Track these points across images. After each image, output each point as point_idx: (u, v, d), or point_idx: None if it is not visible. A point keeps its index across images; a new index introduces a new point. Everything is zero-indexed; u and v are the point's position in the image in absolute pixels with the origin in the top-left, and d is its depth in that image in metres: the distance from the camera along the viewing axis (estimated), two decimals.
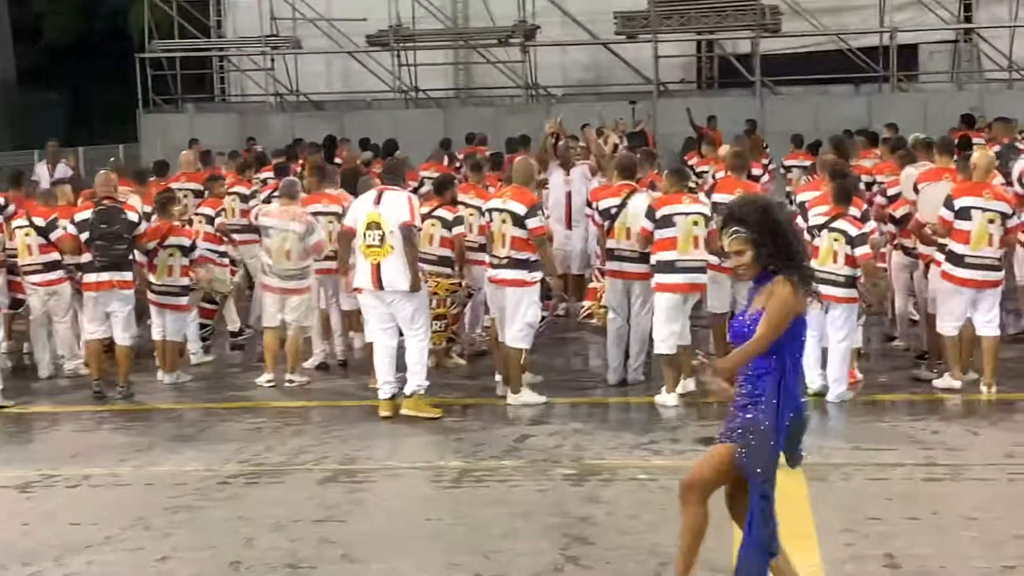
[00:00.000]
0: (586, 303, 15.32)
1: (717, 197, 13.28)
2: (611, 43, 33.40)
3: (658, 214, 12.64)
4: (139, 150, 32.33)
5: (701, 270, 12.74)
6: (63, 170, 21.50)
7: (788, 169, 21.03)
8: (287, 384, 13.89)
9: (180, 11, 36.06)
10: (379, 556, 8.61)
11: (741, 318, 7.03)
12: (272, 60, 35.09)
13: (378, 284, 12.18)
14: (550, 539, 8.79)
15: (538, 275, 12.67)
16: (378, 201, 12.29)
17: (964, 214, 12.45)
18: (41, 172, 20.67)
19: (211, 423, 12.56)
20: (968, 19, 33.89)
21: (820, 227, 12.45)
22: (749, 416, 6.82)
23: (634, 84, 32.76)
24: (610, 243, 13.45)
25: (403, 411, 12.30)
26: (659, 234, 12.61)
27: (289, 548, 8.81)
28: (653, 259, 12.73)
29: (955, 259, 12.47)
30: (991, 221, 12.38)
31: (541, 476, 10.39)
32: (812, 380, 12.04)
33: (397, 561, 8.52)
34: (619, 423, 12.55)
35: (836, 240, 12.23)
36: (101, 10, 45.49)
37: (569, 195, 16.97)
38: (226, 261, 15.72)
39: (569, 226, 16.75)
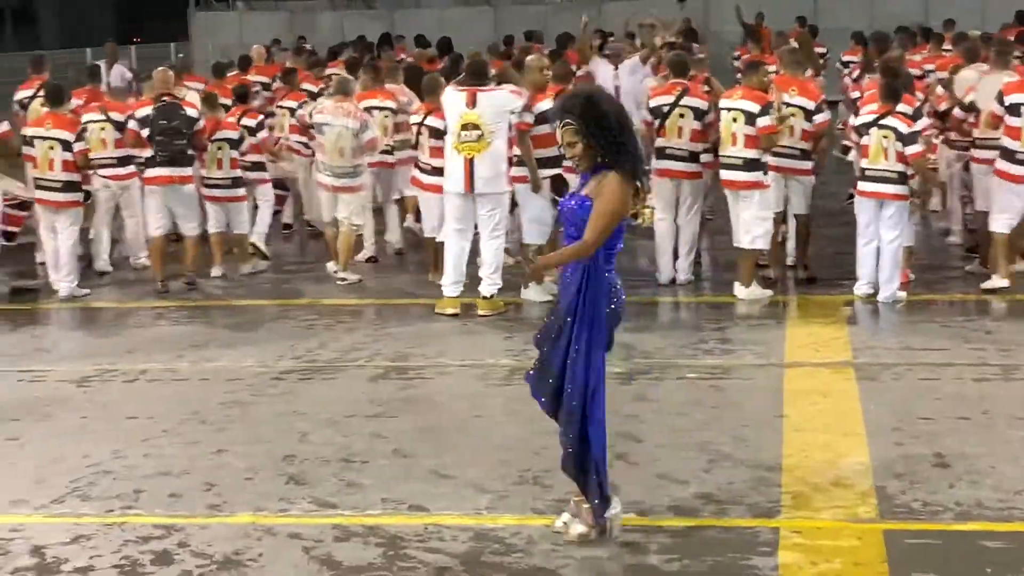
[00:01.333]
0: (635, 203, 15.17)
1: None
2: None
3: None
4: (190, 48, 32.23)
5: (735, 167, 12.65)
6: (119, 70, 21.44)
7: (846, 64, 20.72)
8: (338, 282, 13.98)
9: None
10: (429, 452, 8.67)
11: (569, 202, 7.09)
12: None
13: (470, 186, 12.16)
14: None
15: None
16: (472, 103, 12.18)
17: (1015, 111, 12.32)
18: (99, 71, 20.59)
19: (266, 320, 12.65)
20: None
21: (869, 125, 12.35)
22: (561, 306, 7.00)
23: None
24: (660, 141, 13.36)
25: (480, 312, 12.40)
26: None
27: (342, 443, 8.89)
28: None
29: (1008, 155, 12.38)
30: None
31: None
32: (863, 285, 12.25)
33: (447, 456, 8.57)
34: (669, 323, 12.57)
35: (886, 137, 12.09)
36: None
37: (617, 89, 16.71)
38: (309, 151, 15.74)
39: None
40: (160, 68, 15.59)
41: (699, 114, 13.19)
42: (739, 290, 12.65)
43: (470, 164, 12.11)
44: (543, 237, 12.69)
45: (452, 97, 12.49)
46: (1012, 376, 10.04)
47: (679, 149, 13.20)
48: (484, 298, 12.49)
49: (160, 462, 8.54)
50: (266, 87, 18.29)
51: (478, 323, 12.20)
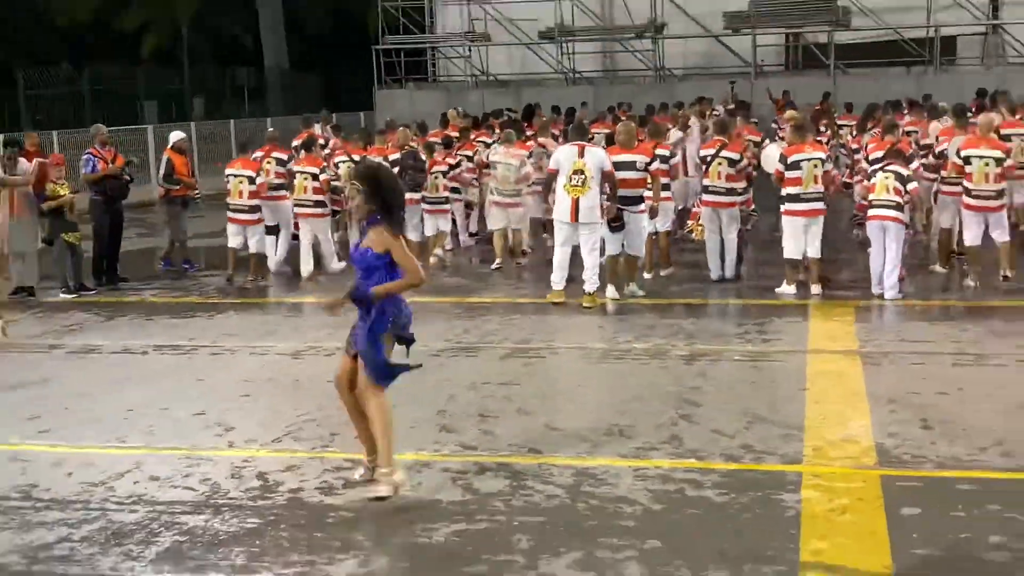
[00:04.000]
0: (689, 223, 15.73)
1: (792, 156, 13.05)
2: (720, 35, 33.12)
3: (789, 160, 12.84)
4: (374, 118, 32.63)
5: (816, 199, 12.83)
6: (329, 131, 21.73)
7: (840, 127, 21.37)
8: (515, 265, 15.38)
9: (404, 13, 36.27)
10: (544, 411, 8.71)
11: (356, 247, 7.05)
12: (470, 50, 35.28)
13: (575, 217, 12.25)
14: (668, 402, 8.81)
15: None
16: (581, 154, 12.28)
17: (968, 161, 12.83)
18: (316, 131, 20.89)
19: (426, 312, 12.73)
20: (996, 15, 32.99)
21: (876, 170, 12.67)
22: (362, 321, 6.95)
23: (736, 67, 32.52)
24: (705, 182, 13.94)
25: (584, 304, 12.42)
26: (788, 174, 12.79)
27: (480, 403, 8.95)
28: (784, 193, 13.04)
29: (968, 192, 12.86)
30: (987, 164, 12.63)
31: (663, 356, 10.38)
32: (876, 286, 12.44)
33: (556, 415, 8.62)
34: (720, 317, 12.51)
35: (887, 178, 12.36)
36: (347, 10, 45.83)
37: (684, 149, 16.95)
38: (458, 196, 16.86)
39: (685, 172, 16.53)
40: (401, 128, 17.41)
41: (732, 162, 13.58)
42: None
43: (575, 201, 12.22)
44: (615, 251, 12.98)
45: (568, 150, 12.59)
46: (982, 363, 9.85)
47: (716, 187, 13.66)
48: (586, 293, 12.50)
49: (344, 415, 8.65)
50: (447, 144, 18.35)
51: (580, 316, 12.17)
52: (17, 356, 11.17)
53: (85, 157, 15.00)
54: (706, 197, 13.86)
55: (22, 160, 14.37)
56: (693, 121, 18.54)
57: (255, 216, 14.75)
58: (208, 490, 7.15)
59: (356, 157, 15.44)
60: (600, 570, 5.77)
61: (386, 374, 6.99)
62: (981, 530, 6.17)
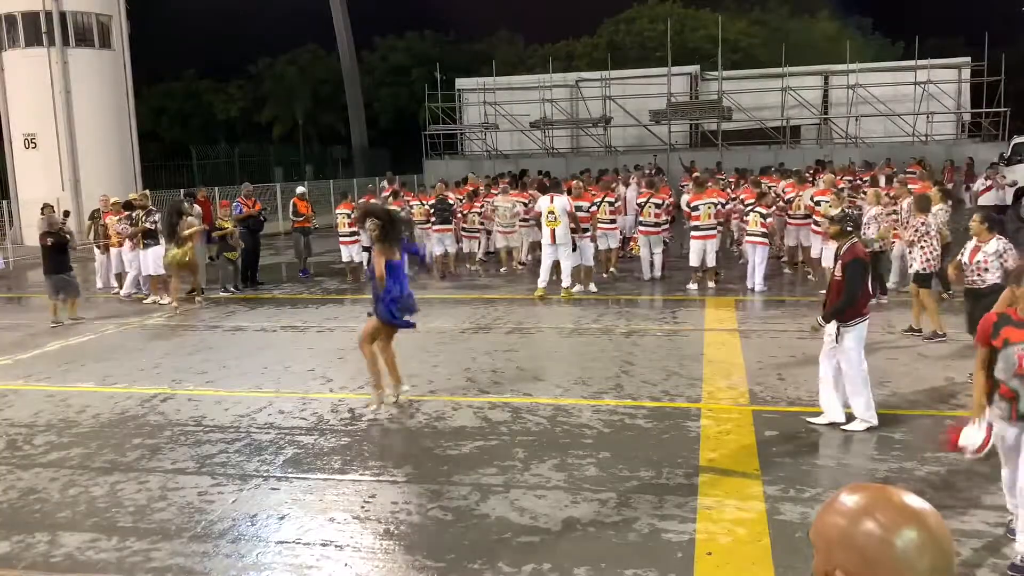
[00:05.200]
0: (630, 243, 16.18)
1: (694, 202, 13.19)
2: (647, 125, 32.70)
3: (692, 204, 13.15)
4: (423, 179, 32.68)
5: (710, 229, 12.90)
6: (395, 188, 21.52)
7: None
8: (515, 270, 15.29)
9: (442, 111, 36.08)
10: (533, 370, 8.66)
11: (370, 265, 7.41)
12: (484, 134, 35.05)
13: (553, 240, 12.41)
14: (614, 362, 8.78)
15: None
16: (551, 200, 12.41)
17: (818, 204, 12.70)
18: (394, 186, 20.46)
19: (458, 304, 12.76)
20: (826, 111, 32.97)
21: (750, 209, 12.70)
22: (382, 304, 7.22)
23: (658, 146, 32.23)
24: (640, 218, 13.99)
25: (563, 296, 12.50)
26: (693, 213, 13.04)
27: (490, 364, 8.91)
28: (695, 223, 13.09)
29: (819, 224, 12.43)
30: (829, 205, 12.38)
31: (610, 333, 10.34)
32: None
33: (541, 371, 8.57)
34: (647, 306, 12.47)
35: (756, 216, 12.44)
36: (405, 108, 45.83)
37: (625, 197, 16.90)
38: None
39: (625, 211, 16.57)
40: (439, 183, 17.12)
41: (658, 206, 13.70)
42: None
43: (552, 231, 12.30)
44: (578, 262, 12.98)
45: (544, 198, 12.67)
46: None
47: (648, 221, 13.69)
48: (565, 288, 12.59)
49: (403, 371, 8.65)
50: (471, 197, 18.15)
51: (560, 305, 12.12)
52: (194, 333, 11.18)
53: (235, 203, 14.99)
54: (641, 228, 13.94)
55: (196, 205, 14.54)
56: (632, 179, 18.57)
57: (353, 239, 14.87)
58: (316, 420, 7.15)
59: (414, 201, 15.85)
60: (570, 471, 5.77)
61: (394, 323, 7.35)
62: (814, 443, 6.19)
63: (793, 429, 6.52)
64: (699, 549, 4.57)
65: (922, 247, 9.39)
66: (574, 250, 12.72)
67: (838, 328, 6.34)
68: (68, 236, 12.40)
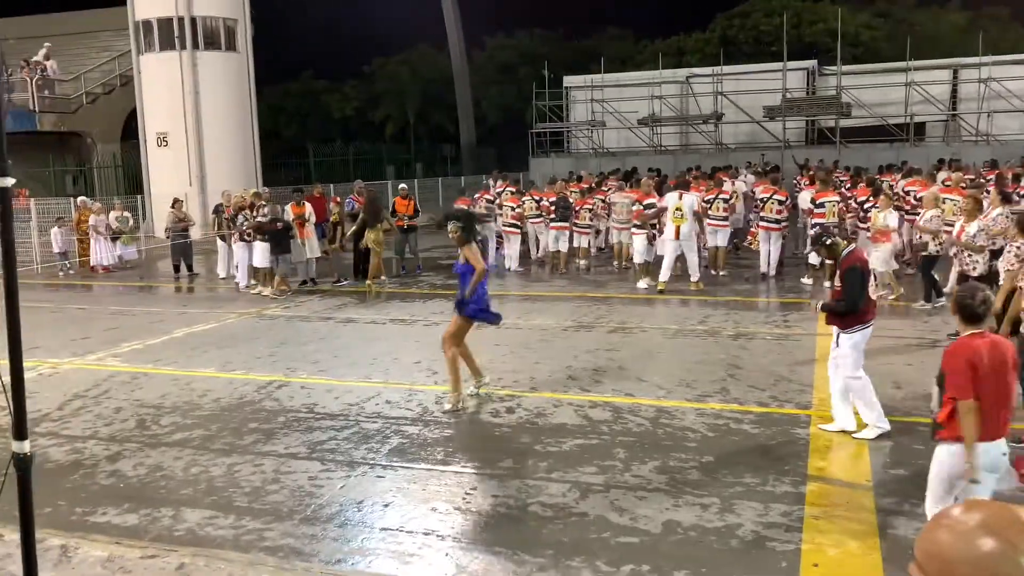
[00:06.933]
0: (749, 238, 16.24)
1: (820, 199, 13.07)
2: (760, 121, 31.96)
3: (818, 201, 12.98)
4: (529, 176, 32.90)
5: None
6: (499, 184, 21.74)
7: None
8: (624, 267, 14.96)
9: (549, 108, 36.19)
10: (636, 370, 8.59)
11: (458, 262, 7.35)
12: (591, 131, 34.96)
13: (678, 236, 12.76)
14: (720, 365, 8.62)
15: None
16: (680, 197, 12.78)
17: (820, 206, 12.69)
18: (490, 183, 20.69)
19: (557, 302, 12.75)
20: (954, 108, 31.32)
21: (870, 206, 12.59)
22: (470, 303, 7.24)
23: (771, 143, 31.35)
24: (762, 214, 14.00)
25: (691, 288, 12.88)
26: (817, 211, 12.95)
27: (593, 362, 8.89)
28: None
29: (946, 223, 11.67)
30: (955, 204, 12.04)
31: (715, 335, 10.14)
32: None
33: (645, 372, 8.49)
34: (758, 307, 12.15)
35: (775, 201, 13.05)
36: (512, 107, 46.16)
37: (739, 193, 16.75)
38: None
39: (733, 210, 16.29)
40: (560, 181, 17.35)
41: (780, 202, 13.60)
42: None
43: (678, 228, 12.73)
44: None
45: (673, 194, 12.99)
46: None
47: (770, 217, 13.66)
48: (693, 281, 12.98)
49: (502, 365, 8.75)
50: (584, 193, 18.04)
51: (664, 304, 11.95)
52: (306, 324, 11.60)
53: (347, 200, 15.51)
54: (763, 224, 13.91)
55: (306, 202, 14.93)
56: (742, 175, 18.35)
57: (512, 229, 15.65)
58: (421, 411, 7.31)
59: (530, 197, 16.01)
60: (671, 474, 5.70)
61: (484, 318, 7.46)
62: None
63: (909, 440, 6.21)
64: (805, 560, 4.43)
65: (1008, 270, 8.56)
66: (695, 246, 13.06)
67: (838, 334, 6.31)
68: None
